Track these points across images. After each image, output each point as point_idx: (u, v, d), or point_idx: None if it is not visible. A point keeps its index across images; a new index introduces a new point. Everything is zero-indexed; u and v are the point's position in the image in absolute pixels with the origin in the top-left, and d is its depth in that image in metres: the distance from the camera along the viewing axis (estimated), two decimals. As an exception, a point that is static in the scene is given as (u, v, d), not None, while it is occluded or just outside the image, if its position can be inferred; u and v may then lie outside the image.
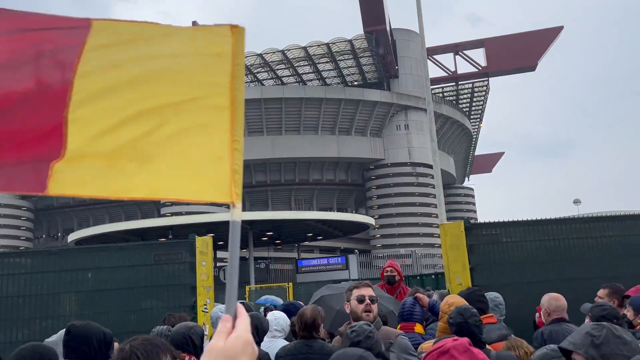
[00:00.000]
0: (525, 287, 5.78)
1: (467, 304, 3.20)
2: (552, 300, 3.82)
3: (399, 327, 4.30)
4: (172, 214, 43.30)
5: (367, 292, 3.30)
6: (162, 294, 5.12)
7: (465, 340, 1.37)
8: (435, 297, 6.14)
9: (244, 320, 0.97)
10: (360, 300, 3.32)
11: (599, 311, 3.25)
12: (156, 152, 1.13)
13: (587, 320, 3.38)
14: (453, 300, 3.37)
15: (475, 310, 2.98)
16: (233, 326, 0.96)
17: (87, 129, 1.12)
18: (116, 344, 3.87)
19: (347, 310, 3.40)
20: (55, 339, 3.27)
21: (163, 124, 1.15)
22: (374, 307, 3.23)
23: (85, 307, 5.70)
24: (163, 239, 24.24)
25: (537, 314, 4.96)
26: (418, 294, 4.97)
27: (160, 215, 47.14)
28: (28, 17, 1.20)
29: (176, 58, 1.20)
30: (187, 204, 47.67)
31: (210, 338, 4.71)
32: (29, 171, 1.10)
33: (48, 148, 1.10)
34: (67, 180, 1.09)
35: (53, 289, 5.72)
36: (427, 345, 2.95)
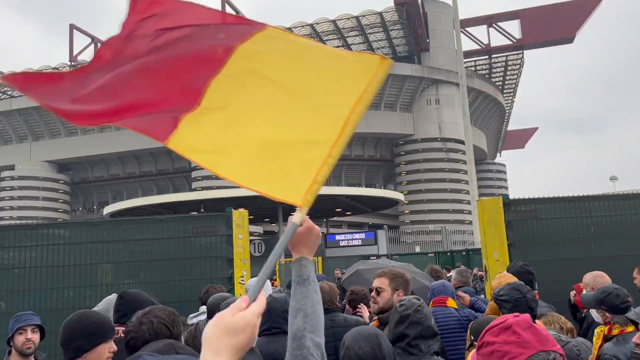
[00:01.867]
0: (565, 264, 5.66)
1: (517, 280, 3.15)
2: (598, 278, 3.73)
3: (430, 303, 4.28)
4: (203, 189, 43.93)
5: (376, 283, 3.34)
6: (199, 266, 5.21)
7: (527, 316, 1.33)
8: (453, 274, 6.09)
9: (258, 306, 1.04)
10: (370, 290, 3.42)
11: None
12: (264, 150, 1.24)
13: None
14: (504, 278, 3.32)
15: (528, 286, 2.94)
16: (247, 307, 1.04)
17: (223, 98, 1.26)
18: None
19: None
20: (105, 306, 3.36)
21: (284, 126, 1.26)
22: (380, 298, 3.26)
23: (125, 278, 5.85)
24: (194, 213, 24.66)
25: (572, 292, 4.86)
26: (459, 293, 4.98)
27: (191, 190, 47.88)
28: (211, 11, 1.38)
29: (317, 75, 1.31)
30: (218, 178, 48.27)
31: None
32: (161, 120, 1.26)
33: (185, 100, 1.25)
34: (187, 141, 1.24)
35: (93, 259, 5.88)
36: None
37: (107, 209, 33.19)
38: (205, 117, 1.24)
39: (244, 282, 5.09)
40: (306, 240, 1.39)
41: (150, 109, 1.26)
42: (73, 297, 5.78)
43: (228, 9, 55.52)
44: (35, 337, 3.23)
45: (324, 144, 1.23)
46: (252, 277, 5.62)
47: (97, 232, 5.75)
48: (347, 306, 4.96)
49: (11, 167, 57.24)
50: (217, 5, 59.75)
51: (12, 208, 56.22)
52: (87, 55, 58.98)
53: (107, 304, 3.37)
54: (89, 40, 61.94)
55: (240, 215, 5.13)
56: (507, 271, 3.76)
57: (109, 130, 56.93)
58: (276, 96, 1.28)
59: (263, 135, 1.25)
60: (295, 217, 1.21)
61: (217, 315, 1.01)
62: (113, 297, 3.41)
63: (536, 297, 3.70)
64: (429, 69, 53.43)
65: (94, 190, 62.57)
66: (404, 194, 45.20)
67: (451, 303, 4.26)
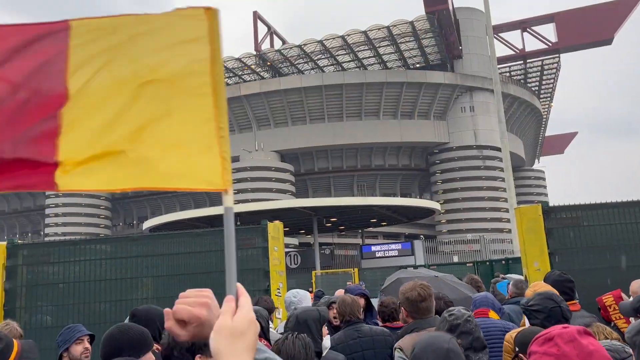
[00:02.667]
0: (609, 273, 5.47)
1: (554, 290, 3.05)
2: (646, 286, 3.59)
3: (472, 313, 4.19)
4: (239, 202, 44.48)
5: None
6: (239, 279, 5.27)
7: (574, 328, 1.29)
8: (510, 287, 5.92)
9: (246, 300, 1.03)
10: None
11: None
12: (148, 146, 1.15)
13: None
14: (539, 287, 3.22)
15: (560, 297, 2.84)
16: (237, 305, 1.02)
17: (80, 133, 1.15)
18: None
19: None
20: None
21: (152, 118, 1.17)
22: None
23: (163, 291, 5.95)
24: (241, 226, 24.88)
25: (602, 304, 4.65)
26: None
27: (227, 203, 48.44)
28: (4, 30, 1.21)
29: (158, 52, 1.21)
30: (253, 191, 48.86)
31: (283, 320, 4.76)
32: (33, 172, 1.13)
33: (43, 153, 1.12)
34: (72, 178, 1.13)
35: (133, 273, 6.01)
36: (512, 335, 2.83)
37: (147, 224, 33.94)
38: (75, 140, 1.14)
39: (280, 295, 5.11)
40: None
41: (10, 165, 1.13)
42: (115, 310, 5.92)
43: (260, 25, 56.41)
44: (89, 347, 3.36)
45: (204, 118, 1.16)
46: (288, 289, 5.64)
47: (136, 246, 5.89)
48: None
49: (55, 185, 59.25)
50: (248, 22, 60.84)
51: (57, 224, 58.15)
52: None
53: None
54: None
55: (275, 228, 5.16)
56: (544, 281, 3.65)
57: (147, 146, 58.28)
58: (132, 93, 1.18)
59: (143, 134, 1.16)
60: (227, 202, 1.12)
61: (217, 326, 0.99)
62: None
63: (578, 307, 3.58)
64: (462, 76, 52.82)
65: (134, 206, 64.13)
66: (440, 203, 44.59)
67: (493, 315, 4.15)
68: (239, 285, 1.07)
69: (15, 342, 2.33)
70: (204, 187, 1.13)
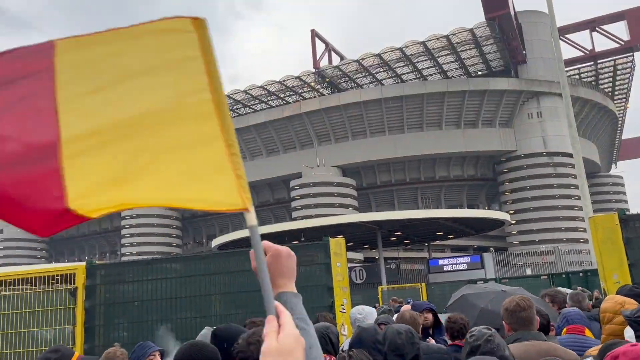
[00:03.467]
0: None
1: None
2: None
3: (564, 330, 3.96)
4: (303, 217, 44.90)
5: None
6: (302, 295, 5.30)
7: None
8: (568, 300, 5.57)
9: (287, 317, 1.02)
10: None
11: None
12: (161, 169, 1.11)
13: None
14: (622, 299, 3.02)
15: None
16: (279, 324, 1.01)
17: (85, 168, 1.10)
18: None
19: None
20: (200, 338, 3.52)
21: (160, 143, 1.12)
22: None
23: (232, 308, 6.07)
24: (296, 242, 25.18)
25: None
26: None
27: (292, 219, 49.13)
28: None
29: (152, 73, 1.15)
30: (316, 206, 49.21)
31: (349, 337, 4.72)
32: (44, 213, 1.08)
33: (50, 194, 1.08)
34: (86, 200, 1.09)
35: (202, 290, 6.18)
36: (593, 352, 2.66)
37: (215, 241, 34.92)
38: (80, 162, 1.09)
39: (344, 311, 5.08)
40: (278, 269, 1.22)
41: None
42: (186, 327, 6.10)
43: (318, 43, 57.23)
44: None
45: (212, 137, 1.10)
46: (354, 305, 5.60)
47: (204, 264, 6.07)
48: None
49: (130, 207, 62.23)
50: (306, 40, 61.69)
51: (132, 244, 61.04)
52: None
53: (203, 339, 3.51)
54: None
55: (337, 243, 5.16)
56: (616, 294, 3.41)
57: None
58: (132, 126, 1.12)
59: (149, 156, 1.11)
60: (250, 220, 1.09)
61: (263, 349, 0.98)
62: (206, 331, 3.55)
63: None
64: (527, 82, 51.03)
65: (202, 224, 66.23)
66: (510, 214, 42.95)
67: (589, 334, 3.88)
68: (277, 303, 1.06)
69: (75, 354, 2.48)
70: (224, 207, 1.10)
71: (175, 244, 63.42)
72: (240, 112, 60.29)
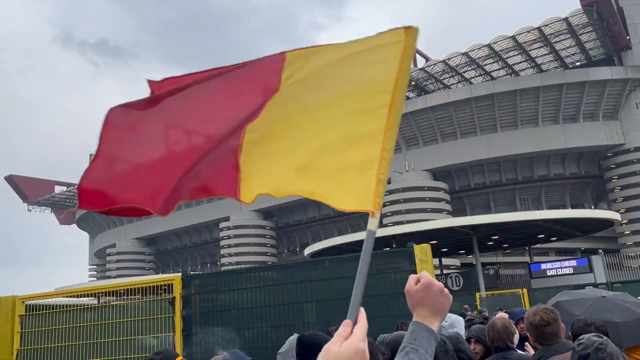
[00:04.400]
0: None
1: None
2: None
3: None
4: (394, 224, 44.40)
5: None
6: (386, 303, 5.22)
7: None
8: None
9: (361, 328, 1.02)
10: None
11: None
12: (319, 161, 1.20)
13: None
14: None
15: None
16: (352, 331, 1.01)
17: (265, 129, 1.27)
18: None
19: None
20: (288, 347, 3.56)
21: (329, 136, 1.21)
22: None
23: (324, 315, 6.12)
24: (387, 248, 24.95)
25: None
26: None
27: (383, 226, 48.84)
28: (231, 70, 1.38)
29: (347, 75, 1.26)
30: (407, 212, 48.48)
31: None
32: (219, 174, 1.27)
33: (226, 177, 1.26)
34: (254, 188, 1.24)
35: (293, 299, 6.29)
36: None
37: (308, 250, 35.51)
38: (257, 153, 1.25)
39: (434, 319, 4.95)
40: (425, 300, 1.23)
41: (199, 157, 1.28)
42: (279, 335, 6.23)
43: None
44: None
45: (375, 139, 1.15)
46: (450, 312, 5.42)
47: (292, 273, 6.19)
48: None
49: (227, 219, 65.22)
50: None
51: (230, 255, 63.76)
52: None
53: (290, 345, 3.56)
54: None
55: (422, 250, 5.03)
56: None
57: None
58: (315, 114, 1.25)
59: (313, 149, 1.22)
60: (372, 226, 1.09)
61: (324, 349, 0.99)
62: (294, 337, 3.59)
63: None
64: (633, 69, 47.03)
65: (296, 234, 67.70)
66: (621, 213, 39.64)
67: None
68: (362, 311, 1.06)
69: (179, 357, 2.59)
70: (353, 207, 1.14)
71: (270, 253, 65.34)
72: (327, 122, 61.07)
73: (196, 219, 69.37)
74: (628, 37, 48.29)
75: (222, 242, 65.45)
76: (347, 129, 1.21)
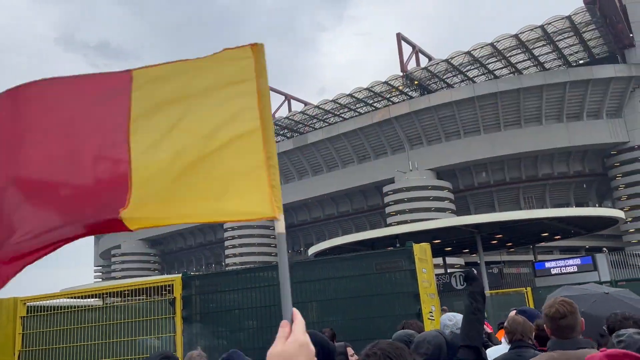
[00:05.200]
0: None
1: None
2: None
3: None
4: (398, 223, 44.35)
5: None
6: (387, 302, 5.22)
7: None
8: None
9: (298, 324, 1.05)
10: None
11: None
12: (204, 184, 1.22)
13: None
14: None
15: None
16: (290, 330, 1.04)
17: (146, 173, 1.25)
18: (349, 349, 4.06)
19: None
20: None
21: (207, 159, 1.24)
22: None
23: (326, 315, 6.12)
24: (390, 248, 24.93)
25: None
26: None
27: (387, 225, 48.74)
28: (70, 82, 1.35)
29: (210, 95, 1.29)
30: (411, 211, 48.42)
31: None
32: (102, 216, 1.22)
33: (115, 196, 1.22)
34: (137, 218, 1.21)
35: (294, 298, 6.30)
36: None
37: (311, 250, 35.50)
38: (140, 204, 1.22)
39: (433, 318, 4.93)
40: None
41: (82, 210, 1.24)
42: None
43: (405, 46, 56.61)
44: None
45: (255, 150, 1.20)
46: (457, 312, 5.41)
47: (292, 273, 6.20)
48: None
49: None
50: (392, 45, 60.95)
51: (234, 255, 63.82)
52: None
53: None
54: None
55: (421, 249, 5.03)
56: None
57: (307, 177, 61.70)
58: (188, 143, 1.26)
59: (197, 170, 1.23)
60: (279, 228, 1.16)
61: (268, 355, 1.02)
62: None
63: None
64: (637, 67, 46.81)
65: (300, 234, 67.70)
66: (625, 211, 39.48)
67: None
68: (295, 310, 1.09)
69: None
70: (255, 217, 1.18)
71: (275, 254, 65.36)
72: (330, 122, 61.08)
73: (200, 220, 69.35)
74: (631, 35, 48.08)
75: (227, 243, 65.52)
76: (226, 150, 1.23)
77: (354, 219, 61.41)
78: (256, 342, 5.94)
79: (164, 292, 6.10)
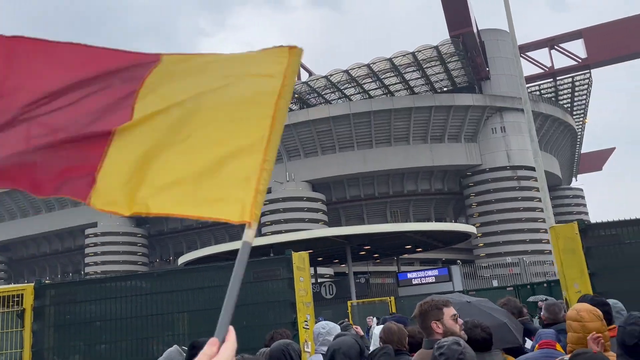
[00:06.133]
0: (658, 293, 5.11)
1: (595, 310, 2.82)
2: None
3: (537, 345, 3.94)
4: (272, 233, 44.51)
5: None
6: (262, 311, 5.14)
7: None
8: (543, 312, 5.58)
9: (229, 347, 0.94)
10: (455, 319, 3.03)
11: None
12: (190, 172, 1.14)
13: None
14: (583, 308, 2.98)
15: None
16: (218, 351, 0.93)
17: (127, 152, 1.17)
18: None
19: (439, 330, 3.09)
20: (165, 357, 3.34)
21: (205, 145, 1.17)
22: None
23: (196, 326, 5.86)
24: (265, 257, 24.86)
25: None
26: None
27: (261, 235, 48.69)
28: (102, 51, 1.29)
29: (228, 79, 1.24)
30: (286, 222, 48.90)
31: (312, 354, 4.58)
32: (75, 181, 1.17)
33: (93, 151, 1.17)
34: (108, 196, 1.15)
35: (162, 309, 5.95)
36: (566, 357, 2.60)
37: (182, 259, 34.23)
38: (119, 163, 1.17)
39: (308, 327, 4.95)
40: None
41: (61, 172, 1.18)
42: (148, 347, 5.85)
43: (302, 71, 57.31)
44: None
45: (256, 150, 1.14)
46: (329, 320, 5.47)
47: (161, 282, 5.86)
48: None
49: (94, 225, 60.75)
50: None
51: (96, 263, 59.30)
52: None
53: (168, 357, 3.34)
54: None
55: (300, 258, 5.04)
56: (578, 302, 3.41)
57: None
58: (189, 120, 1.20)
59: (187, 160, 1.17)
60: (247, 236, 1.05)
61: None
62: (174, 348, 3.39)
63: (614, 333, 3.31)
64: (491, 97, 52.27)
65: (170, 242, 64.97)
66: (477, 227, 43.58)
67: (559, 349, 3.89)
68: (231, 329, 0.97)
69: None
70: (228, 217, 1.09)
71: (141, 262, 61.93)
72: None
73: (58, 225, 63.69)
74: (487, 69, 53.65)
75: (88, 250, 60.68)
76: (228, 137, 1.17)
77: (228, 229, 60.40)
78: (122, 356, 5.51)
79: (11, 303, 5.43)
